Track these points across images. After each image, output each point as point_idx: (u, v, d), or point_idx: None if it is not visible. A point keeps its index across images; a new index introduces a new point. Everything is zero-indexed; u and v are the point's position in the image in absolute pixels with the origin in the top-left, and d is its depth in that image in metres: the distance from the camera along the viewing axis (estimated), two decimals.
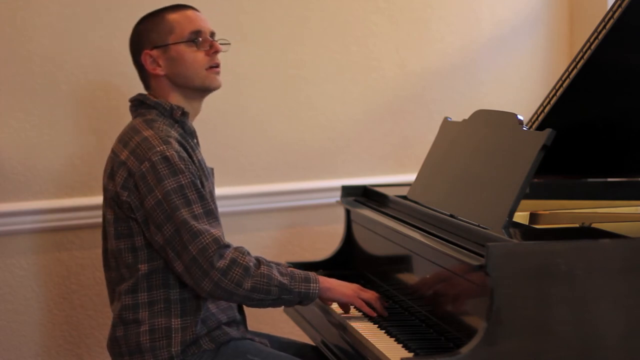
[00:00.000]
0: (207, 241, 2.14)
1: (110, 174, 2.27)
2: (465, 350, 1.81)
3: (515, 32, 3.66)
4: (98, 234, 2.91)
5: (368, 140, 3.42)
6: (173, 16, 2.37)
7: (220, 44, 2.38)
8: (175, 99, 2.36)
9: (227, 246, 2.17)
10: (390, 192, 2.65)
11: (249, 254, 2.19)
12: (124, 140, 2.28)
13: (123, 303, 2.25)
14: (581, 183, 2.76)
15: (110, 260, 2.31)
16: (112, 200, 2.26)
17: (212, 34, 2.40)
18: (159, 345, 2.21)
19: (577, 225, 2.31)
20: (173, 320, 2.22)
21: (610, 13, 2.32)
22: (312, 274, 2.25)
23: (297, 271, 2.24)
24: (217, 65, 2.37)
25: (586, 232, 2.14)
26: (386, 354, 1.99)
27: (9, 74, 2.77)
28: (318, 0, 3.28)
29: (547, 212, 2.45)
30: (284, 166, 3.26)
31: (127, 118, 2.98)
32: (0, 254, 2.80)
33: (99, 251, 2.95)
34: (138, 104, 2.36)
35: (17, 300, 2.84)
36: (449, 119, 2.57)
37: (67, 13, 2.84)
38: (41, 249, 2.86)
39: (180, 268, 2.17)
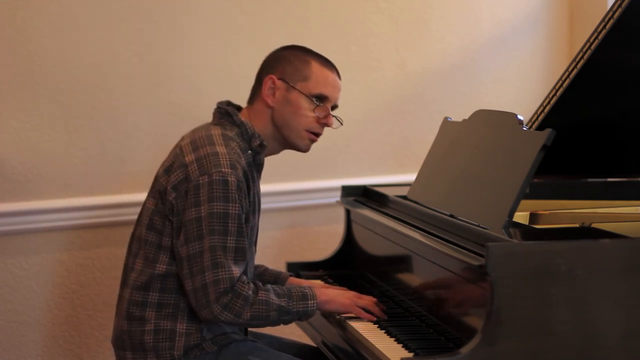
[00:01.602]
0: (223, 276, 2.13)
1: (168, 168, 2.26)
2: (465, 350, 1.81)
3: (515, 32, 3.66)
4: (98, 234, 2.93)
5: (368, 140, 3.42)
6: (317, 67, 2.34)
7: (336, 117, 2.37)
8: (264, 129, 2.33)
9: (235, 286, 2.15)
10: (390, 192, 2.65)
11: (248, 281, 2.18)
12: (195, 143, 2.25)
13: (132, 298, 2.25)
14: (581, 183, 2.76)
15: (133, 245, 2.31)
16: (158, 193, 2.25)
17: (335, 107, 2.38)
18: (162, 346, 2.21)
19: (577, 225, 2.31)
20: (178, 325, 2.22)
21: (610, 13, 2.32)
22: (309, 290, 2.24)
23: (294, 289, 2.23)
24: (318, 135, 2.37)
25: (586, 232, 2.14)
26: (386, 354, 1.99)
27: (9, 74, 2.77)
28: (318, 0, 3.28)
29: (547, 212, 2.45)
30: (284, 166, 3.26)
31: (127, 118, 2.98)
32: (0, 254, 2.80)
33: (99, 251, 2.96)
34: (224, 114, 2.34)
35: (17, 300, 2.84)
36: (449, 119, 2.57)
37: (67, 13, 2.84)
38: (41, 249, 2.86)
39: (189, 287, 2.17)
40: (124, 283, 2.33)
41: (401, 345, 2.07)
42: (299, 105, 2.32)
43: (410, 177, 2.67)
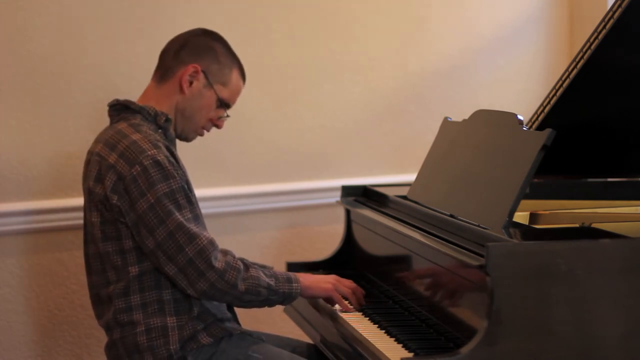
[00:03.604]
0: (203, 243, 2.16)
1: (97, 177, 2.26)
2: (465, 350, 1.81)
3: (515, 32, 3.66)
4: None
5: (368, 140, 3.42)
6: (236, 77, 2.43)
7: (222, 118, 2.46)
8: (168, 111, 2.37)
9: (218, 249, 2.20)
10: (390, 192, 2.65)
11: (236, 256, 2.23)
12: (110, 143, 2.27)
13: (116, 307, 2.24)
14: (581, 183, 2.76)
15: (94, 263, 2.30)
16: (99, 203, 2.25)
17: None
18: (157, 344, 2.21)
19: (577, 225, 2.31)
20: (168, 319, 2.23)
21: (610, 13, 2.32)
22: (292, 274, 2.30)
23: (278, 272, 2.29)
24: (205, 132, 2.46)
25: (586, 232, 2.14)
26: (386, 354, 1.99)
27: (9, 74, 2.77)
28: (318, 0, 3.28)
29: (547, 212, 2.45)
30: (284, 166, 3.26)
31: None
32: (1, 254, 2.80)
33: None
34: (121, 108, 2.36)
35: (17, 300, 2.84)
36: (449, 119, 2.57)
37: (67, 13, 2.84)
38: (41, 249, 2.86)
39: (172, 271, 2.18)
40: (95, 303, 2.33)
41: (401, 345, 2.07)
42: (208, 104, 2.40)
43: (410, 177, 2.67)
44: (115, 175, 2.21)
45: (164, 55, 2.42)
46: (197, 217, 2.23)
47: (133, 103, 2.35)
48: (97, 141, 2.34)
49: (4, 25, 2.75)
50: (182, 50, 2.39)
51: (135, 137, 2.23)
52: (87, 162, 2.34)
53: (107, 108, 2.39)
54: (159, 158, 2.19)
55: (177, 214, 2.17)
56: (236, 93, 2.45)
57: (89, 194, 2.30)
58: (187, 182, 2.28)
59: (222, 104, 2.41)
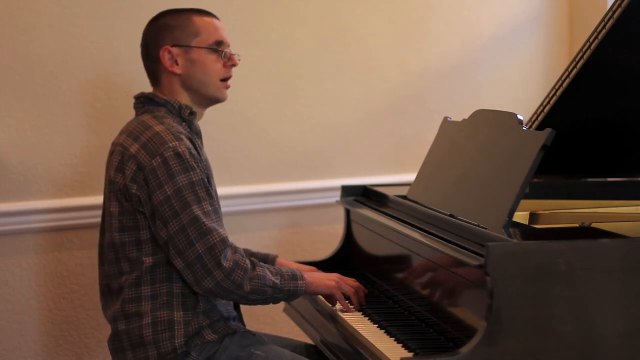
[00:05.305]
0: (215, 241, 2.16)
1: (118, 167, 2.27)
2: (465, 350, 1.81)
3: (515, 32, 3.66)
4: (98, 234, 2.92)
5: (368, 140, 3.42)
6: (200, 20, 2.39)
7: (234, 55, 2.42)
8: (184, 99, 2.37)
9: (230, 247, 2.19)
10: (390, 192, 2.65)
11: (244, 255, 2.22)
12: (133, 134, 2.28)
13: (126, 297, 2.25)
14: (581, 183, 2.76)
15: (108, 254, 2.31)
16: (119, 193, 2.26)
17: (229, 47, 2.43)
18: (162, 337, 2.22)
19: (577, 225, 2.31)
20: (176, 313, 2.23)
21: (610, 13, 2.32)
22: (297, 271, 2.29)
23: (284, 269, 2.29)
24: (229, 79, 2.42)
25: (586, 232, 2.14)
26: (386, 354, 1.99)
27: (9, 74, 2.77)
28: (318, 0, 3.28)
29: (547, 212, 2.45)
30: (284, 166, 3.26)
31: (127, 118, 2.97)
32: (0, 254, 2.80)
33: None
34: (146, 101, 2.37)
35: (17, 300, 2.84)
36: (449, 119, 2.57)
37: (67, 13, 2.84)
38: (41, 249, 2.86)
39: (180, 265, 2.18)
40: (105, 294, 2.34)
41: (401, 345, 2.07)
42: (204, 60, 2.37)
43: (410, 177, 2.67)
44: (136, 165, 2.22)
45: (144, 65, 2.43)
46: (216, 211, 2.23)
47: (158, 96, 2.35)
48: (121, 133, 2.35)
49: (4, 25, 2.75)
50: (148, 50, 2.40)
51: (159, 128, 2.24)
52: (111, 153, 2.34)
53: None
54: (180, 150, 2.20)
55: (195, 206, 2.18)
56: (213, 29, 2.39)
57: (109, 183, 2.31)
58: (209, 176, 2.29)
59: (213, 48, 2.37)
